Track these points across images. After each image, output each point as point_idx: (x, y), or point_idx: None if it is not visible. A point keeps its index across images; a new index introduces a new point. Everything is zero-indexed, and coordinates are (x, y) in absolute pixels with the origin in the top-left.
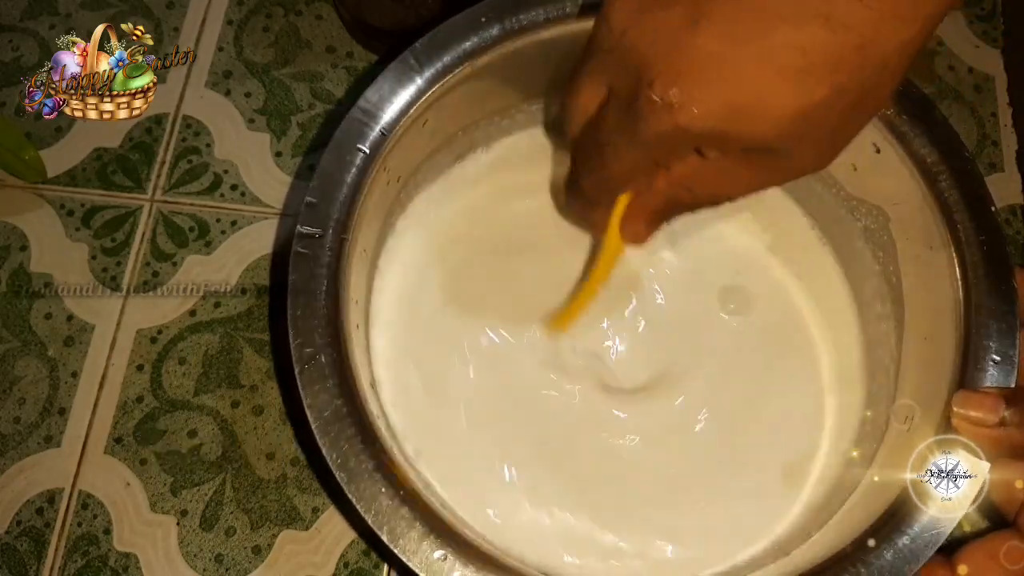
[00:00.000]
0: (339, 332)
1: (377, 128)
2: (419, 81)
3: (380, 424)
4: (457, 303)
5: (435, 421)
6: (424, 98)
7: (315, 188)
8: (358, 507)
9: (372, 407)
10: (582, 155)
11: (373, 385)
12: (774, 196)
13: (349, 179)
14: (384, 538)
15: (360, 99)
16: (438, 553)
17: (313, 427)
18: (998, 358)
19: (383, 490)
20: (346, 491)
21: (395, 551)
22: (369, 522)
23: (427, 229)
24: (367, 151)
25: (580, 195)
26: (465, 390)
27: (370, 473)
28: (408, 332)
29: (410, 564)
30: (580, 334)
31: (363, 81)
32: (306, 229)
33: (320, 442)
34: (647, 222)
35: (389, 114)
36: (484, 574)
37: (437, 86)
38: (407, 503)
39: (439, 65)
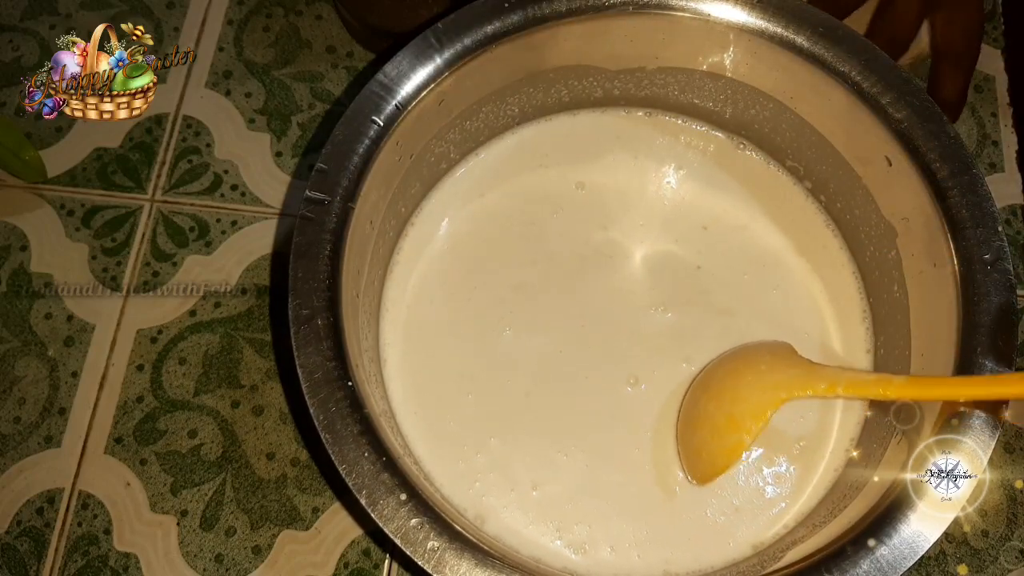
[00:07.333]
0: (337, 297)
1: (393, 102)
2: (438, 60)
3: (376, 393)
4: (471, 290)
5: (434, 398)
6: (443, 77)
7: (326, 155)
8: (340, 470)
9: (373, 385)
10: None
11: (380, 355)
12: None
13: (361, 149)
14: (363, 501)
15: (378, 72)
16: (415, 521)
17: (303, 387)
18: None
19: (366, 454)
20: (330, 453)
21: (372, 515)
22: (350, 485)
23: (449, 219)
24: (381, 123)
25: None
26: (467, 372)
27: (355, 437)
28: (419, 311)
29: (386, 529)
30: (593, 314)
31: (363, 81)
32: (314, 194)
33: (309, 403)
34: None
35: (406, 89)
36: (458, 544)
37: (456, 66)
38: (389, 469)
39: (459, 46)
